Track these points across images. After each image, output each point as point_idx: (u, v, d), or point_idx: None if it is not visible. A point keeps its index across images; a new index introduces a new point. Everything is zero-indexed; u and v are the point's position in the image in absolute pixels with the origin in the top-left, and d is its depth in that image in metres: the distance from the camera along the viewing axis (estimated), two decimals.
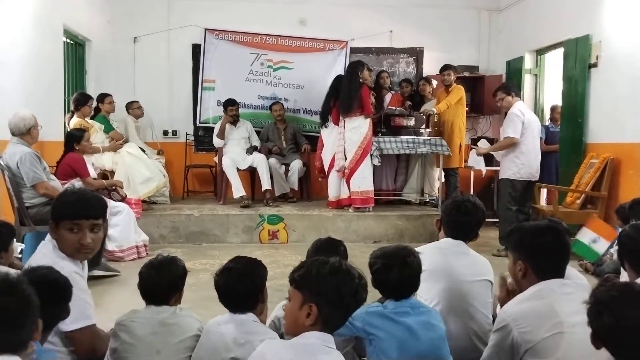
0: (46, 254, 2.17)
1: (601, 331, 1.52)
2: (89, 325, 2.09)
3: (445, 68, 6.87)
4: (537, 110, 7.53)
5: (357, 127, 6.40)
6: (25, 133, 4.46)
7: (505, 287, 2.28)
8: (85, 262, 2.36)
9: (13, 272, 1.91)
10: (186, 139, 8.09)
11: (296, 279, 1.72)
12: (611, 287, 1.58)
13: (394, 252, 2.18)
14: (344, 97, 6.40)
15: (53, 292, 1.78)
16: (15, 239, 3.41)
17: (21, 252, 3.98)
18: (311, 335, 1.65)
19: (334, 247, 2.56)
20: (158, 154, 7.35)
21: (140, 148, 6.75)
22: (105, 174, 6.16)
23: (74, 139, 5.17)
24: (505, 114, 5.80)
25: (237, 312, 2.05)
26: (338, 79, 6.84)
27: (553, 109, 7.36)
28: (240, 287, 2.04)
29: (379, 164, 6.55)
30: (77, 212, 2.16)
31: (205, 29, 7.91)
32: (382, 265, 2.13)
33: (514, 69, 7.77)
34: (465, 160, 6.94)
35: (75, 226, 2.16)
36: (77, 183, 4.94)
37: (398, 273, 2.10)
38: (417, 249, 2.61)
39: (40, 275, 1.80)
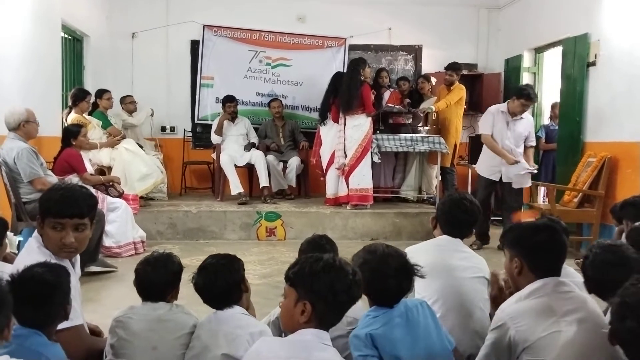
0: (30, 251, 2.13)
1: (622, 334, 1.50)
2: (73, 326, 2.04)
3: (448, 68, 6.89)
4: (536, 108, 7.52)
5: (359, 125, 6.38)
6: (17, 128, 4.43)
7: (497, 285, 2.28)
8: (77, 259, 2.33)
9: (10, 267, 1.91)
10: (184, 136, 8.07)
11: (290, 276, 1.73)
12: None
13: (401, 261, 2.04)
14: (344, 95, 6.36)
15: (42, 290, 1.76)
16: (13, 233, 3.42)
17: (19, 245, 3.97)
18: (307, 332, 1.66)
19: (320, 245, 2.54)
20: (156, 147, 7.33)
21: (138, 144, 6.74)
22: (102, 170, 6.14)
23: (71, 135, 5.17)
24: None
25: (223, 309, 2.07)
26: (337, 76, 6.80)
27: (554, 106, 7.24)
28: (221, 281, 2.07)
29: (379, 161, 6.55)
30: (61, 210, 2.08)
31: (204, 26, 7.88)
32: (395, 273, 1.99)
33: (513, 67, 7.76)
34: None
35: (59, 224, 2.09)
36: (74, 179, 4.94)
37: (404, 281, 2.02)
38: (415, 246, 2.62)
39: (31, 273, 1.79)
